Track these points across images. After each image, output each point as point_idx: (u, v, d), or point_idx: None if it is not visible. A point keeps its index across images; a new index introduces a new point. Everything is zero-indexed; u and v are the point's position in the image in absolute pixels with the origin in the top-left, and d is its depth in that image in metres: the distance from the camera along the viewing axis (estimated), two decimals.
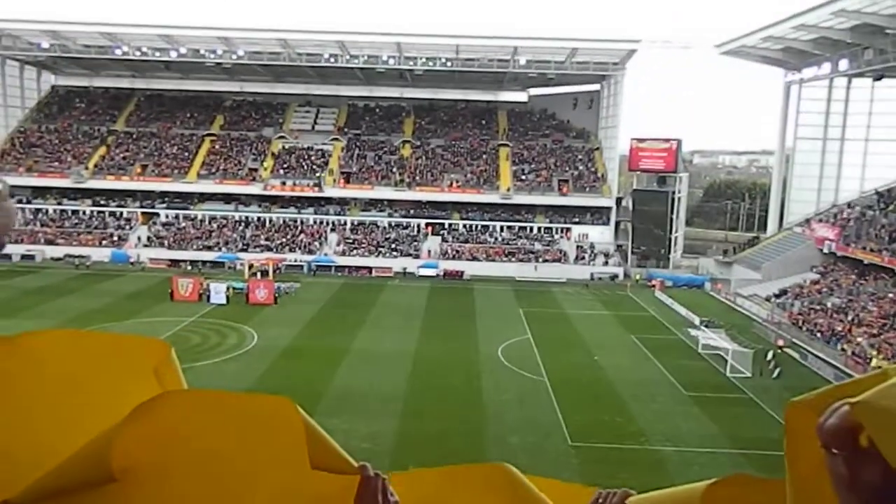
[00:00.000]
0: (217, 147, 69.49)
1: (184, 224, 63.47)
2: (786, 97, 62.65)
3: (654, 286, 55.47)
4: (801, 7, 46.41)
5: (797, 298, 47.45)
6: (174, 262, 57.87)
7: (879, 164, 58.07)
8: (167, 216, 64.27)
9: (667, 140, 63.34)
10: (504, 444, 24.71)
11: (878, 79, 51.04)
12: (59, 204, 64.51)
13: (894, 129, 58.08)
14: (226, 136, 71.09)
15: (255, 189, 64.82)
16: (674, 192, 62.75)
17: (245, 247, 60.49)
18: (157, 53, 66.14)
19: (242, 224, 63.83)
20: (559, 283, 56.56)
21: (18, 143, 68.52)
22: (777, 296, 48.91)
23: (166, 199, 64.95)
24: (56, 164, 65.64)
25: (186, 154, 68.05)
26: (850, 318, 41.29)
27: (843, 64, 52.02)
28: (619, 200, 66.11)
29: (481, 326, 41.65)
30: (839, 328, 40.29)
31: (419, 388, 30.07)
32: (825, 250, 51.29)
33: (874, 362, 35.24)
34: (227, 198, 65.22)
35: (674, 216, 62.95)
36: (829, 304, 44.34)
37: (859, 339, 38.01)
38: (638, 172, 65.90)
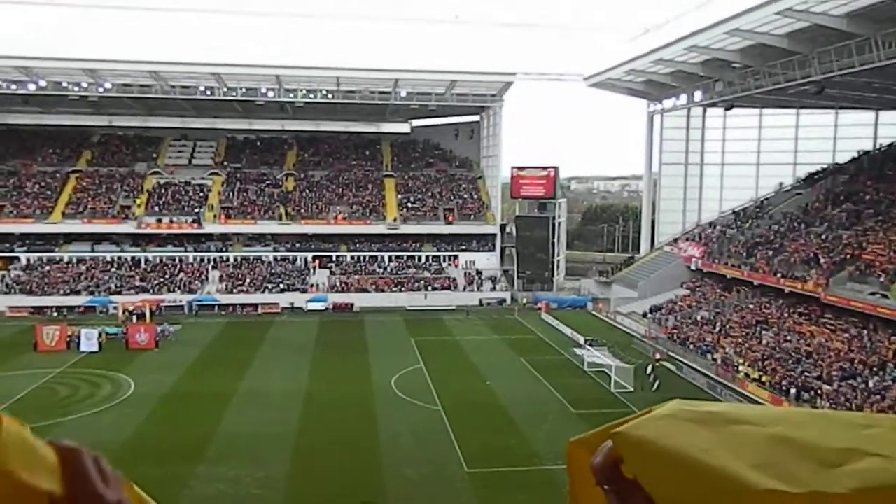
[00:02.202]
0: (84, 184, 65.29)
1: (48, 267, 58.85)
2: (650, 126, 67.18)
3: (540, 309, 57.20)
4: (659, 43, 50.28)
5: (671, 313, 50.45)
6: (38, 310, 53.48)
7: (735, 185, 63.48)
8: (28, 260, 59.39)
9: (545, 168, 66.09)
10: (400, 476, 24.44)
11: (729, 108, 55.87)
12: None
13: (745, 154, 63.94)
14: (94, 172, 66.99)
15: (128, 227, 61.30)
16: (554, 218, 65.36)
17: (118, 289, 56.92)
18: (14, 86, 61.57)
19: (114, 265, 60.06)
20: (449, 310, 57.14)
21: None
22: (652, 312, 51.78)
23: (27, 241, 60.08)
24: None
25: (49, 193, 63.42)
26: (717, 329, 44.36)
27: (698, 95, 56.49)
28: (503, 227, 67.98)
29: (373, 358, 41.24)
30: (709, 339, 43.16)
31: (311, 426, 29.25)
32: (692, 267, 54.94)
33: (742, 369, 38.00)
34: (97, 238, 61.21)
35: (555, 240, 65.49)
36: (698, 318, 47.45)
37: (727, 349, 40.87)
38: (520, 199, 68.18)
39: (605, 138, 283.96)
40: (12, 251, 59.50)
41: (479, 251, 65.66)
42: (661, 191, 68.54)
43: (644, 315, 51.90)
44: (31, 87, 61.59)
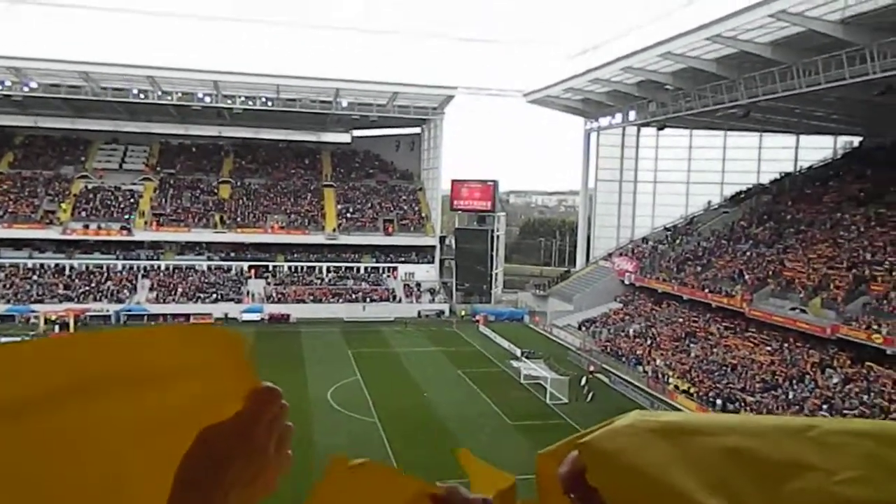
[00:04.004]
0: (5, 187, 62.23)
1: None
2: (586, 143, 68.85)
3: (478, 321, 57.59)
4: (596, 63, 51.73)
5: (604, 326, 51.63)
6: None
7: (667, 203, 65.69)
8: None
9: (485, 181, 66.79)
10: None
11: (661, 128, 57.85)
12: None
13: (676, 173, 66.31)
14: (16, 175, 63.95)
15: (52, 233, 58.67)
16: (493, 231, 66.05)
17: (40, 297, 54.34)
18: None
19: (36, 272, 57.36)
20: (388, 321, 56.87)
21: None
22: (587, 325, 52.87)
23: None
24: None
25: None
26: (648, 342, 45.65)
27: (633, 114, 58.31)
28: (442, 239, 68.28)
29: (310, 370, 40.63)
30: (640, 352, 44.36)
31: None
32: (626, 281, 56.38)
33: (671, 381, 39.19)
34: (18, 243, 58.35)
35: (494, 253, 66.14)
36: (630, 331, 48.71)
37: (657, 361, 42.09)
38: (459, 212, 68.65)
39: (543, 153, 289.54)
40: None
41: (418, 263, 65.71)
42: (597, 206, 70.28)
43: (579, 328, 52.94)
44: None
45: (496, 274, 67.21)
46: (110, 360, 0.80)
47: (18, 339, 40.88)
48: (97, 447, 0.80)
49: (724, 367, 38.44)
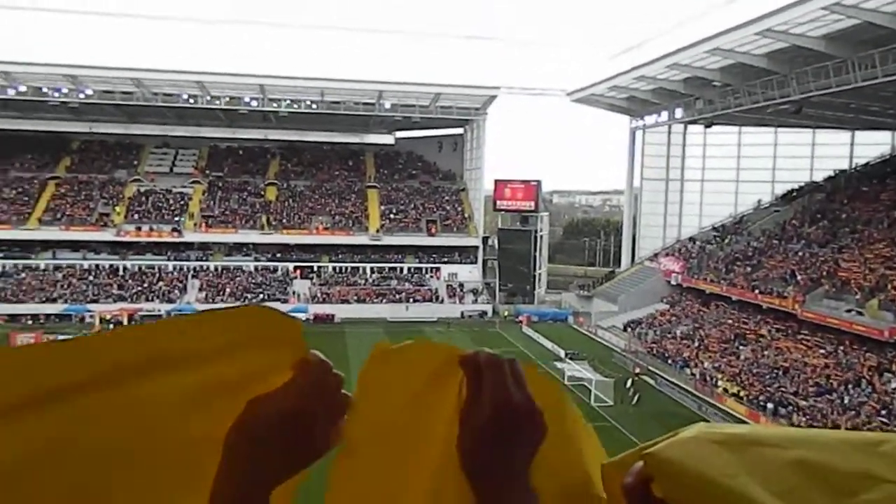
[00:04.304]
0: (63, 191, 64.55)
1: (24, 275, 57.96)
2: (631, 141, 67.85)
3: (521, 322, 57.30)
4: (641, 60, 50.95)
5: (650, 328, 50.79)
6: (12, 318, 52.56)
7: (715, 202, 64.24)
8: (4, 266, 58.43)
9: (528, 181, 66.41)
10: None
11: (709, 126, 56.57)
12: None
13: (725, 171, 64.78)
14: (73, 179, 66.27)
15: (106, 235, 60.63)
16: (536, 231, 65.62)
17: (96, 297, 56.17)
18: None
19: (92, 273, 59.32)
20: (431, 322, 57.03)
21: None
22: (632, 326, 52.10)
23: (3, 248, 59.12)
24: None
25: (27, 199, 62.57)
26: (696, 344, 44.73)
27: (679, 112, 57.24)
28: (485, 239, 68.15)
29: (354, 370, 40.15)
30: (687, 354, 43.49)
31: None
32: (672, 282, 55.38)
33: (720, 384, 38.32)
34: (75, 245, 60.47)
35: (537, 254, 65.71)
36: (677, 332, 47.81)
37: (705, 364, 41.21)
38: (502, 212, 68.42)
39: (586, 153, 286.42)
40: None
41: (461, 263, 65.71)
42: (643, 206, 69.17)
43: (624, 329, 52.20)
44: (11, 92, 60.84)
45: (539, 274, 66.75)
46: (162, 342, 0.84)
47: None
48: (153, 420, 0.83)
49: (776, 371, 37.38)
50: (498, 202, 67.60)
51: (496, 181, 67.92)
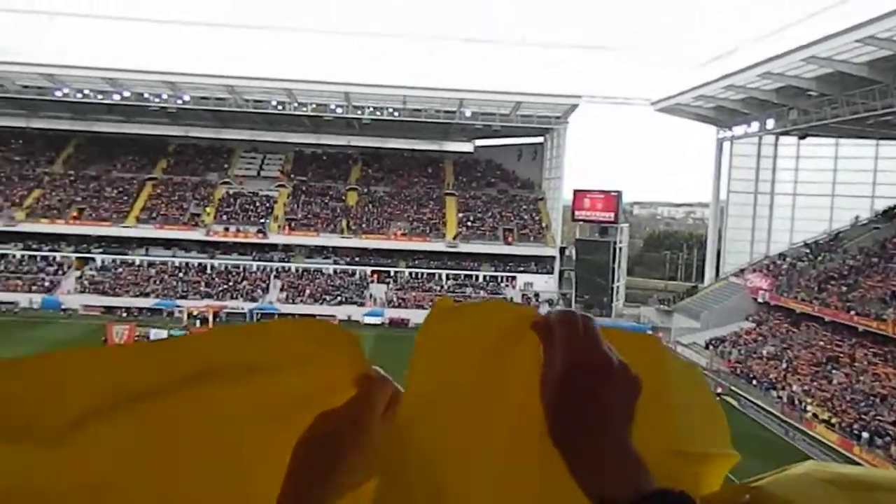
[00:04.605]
0: (159, 191, 68.08)
1: (120, 269, 61.43)
2: (718, 153, 65.57)
3: None
4: (730, 69, 49.21)
5: (734, 346, 48.79)
6: (109, 309, 55.76)
7: (807, 217, 61.15)
8: (103, 261, 62.12)
9: (608, 192, 65.15)
10: None
11: (803, 137, 54.04)
12: None
13: (819, 185, 61.59)
14: (168, 180, 69.79)
15: (196, 234, 63.49)
16: (615, 242, 64.24)
17: (184, 293, 58.85)
18: (100, 96, 64.97)
19: (182, 270, 62.21)
20: None
21: None
22: (715, 344, 50.20)
23: (103, 243, 62.91)
24: None
25: (126, 198, 66.38)
26: (784, 365, 42.63)
27: (770, 123, 54.87)
28: (562, 250, 67.27)
29: None
30: (774, 375, 41.50)
31: None
32: (759, 300, 53.09)
33: (810, 408, 36.35)
34: (167, 243, 63.65)
35: (615, 266, 64.30)
36: (764, 352, 45.71)
37: (794, 386, 39.20)
38: (580, 223, 67.38)
39: (670, 164, 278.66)
40: (89, 252, 62.41)
41: (537, 273, 65.13)
42: (728, 219, 66.63)
43: (706, 346, 50.36)
44: (116, 98, 64.94)
45: (618, 287, 65.30)
46: (229, 351, 0.84)
47: (164, 331, 44.60)
48: (218, 428, 0.83)
49: (872, 398, 35.14)
50: (576, 212, 66.61)
51: (575, 191, 66.96)
